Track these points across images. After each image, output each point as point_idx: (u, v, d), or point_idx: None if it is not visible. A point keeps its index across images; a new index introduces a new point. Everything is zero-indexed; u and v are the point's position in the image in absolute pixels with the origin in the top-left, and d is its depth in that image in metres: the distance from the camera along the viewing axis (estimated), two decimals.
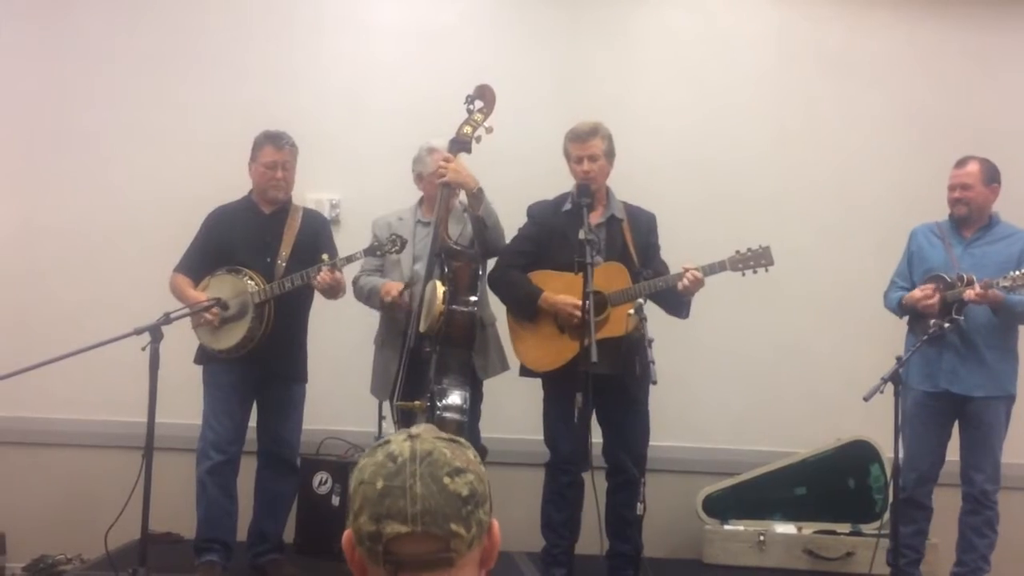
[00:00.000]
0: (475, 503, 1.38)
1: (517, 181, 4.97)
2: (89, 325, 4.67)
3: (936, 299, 4.42)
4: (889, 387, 4.05)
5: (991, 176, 4.63)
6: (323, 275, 4.28)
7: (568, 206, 4.44)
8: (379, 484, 1.36)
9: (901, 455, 4.52)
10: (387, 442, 1.42)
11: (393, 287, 4.48)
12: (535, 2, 5.87)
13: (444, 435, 1.44)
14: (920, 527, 4.61)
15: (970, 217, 4.63)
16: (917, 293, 4.50)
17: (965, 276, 4.40)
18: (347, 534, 1.41)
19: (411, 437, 1.41)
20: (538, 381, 4.50)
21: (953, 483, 4.68)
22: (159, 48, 5.64)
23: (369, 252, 4.40)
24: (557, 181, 4.58)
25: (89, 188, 5.54)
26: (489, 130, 4.51)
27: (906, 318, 4.67)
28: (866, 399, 4.04)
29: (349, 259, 4.38)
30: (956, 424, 4.63)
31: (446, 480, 1.37)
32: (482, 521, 1.39)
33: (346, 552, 1.42)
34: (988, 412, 4.52)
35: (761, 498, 5.47)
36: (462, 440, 1.45)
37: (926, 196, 5.02)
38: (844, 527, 5.37)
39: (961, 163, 4.66)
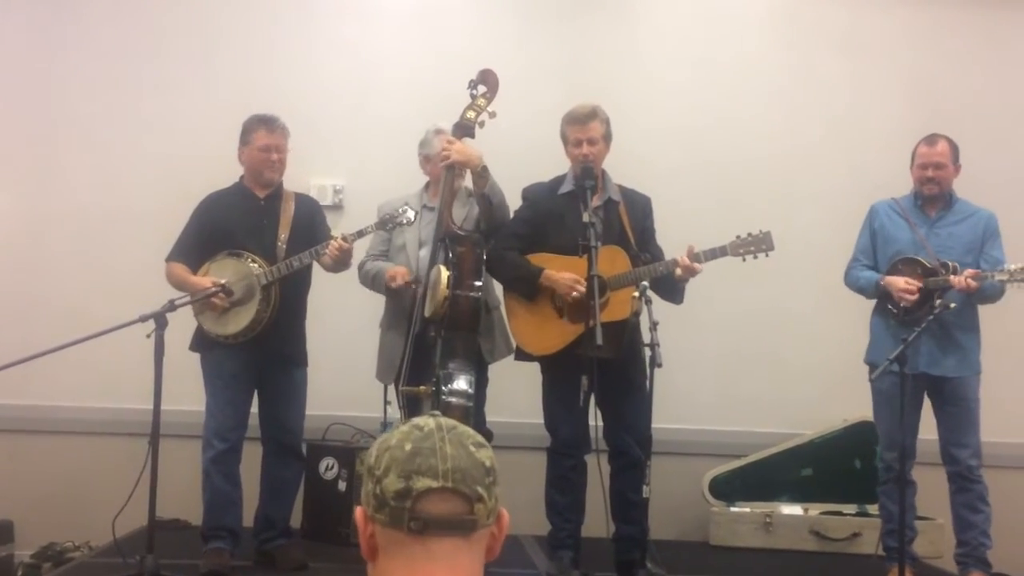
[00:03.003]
0: (494, 477, 1.43)
1: (520, 165, 4.94)
2: (94, 313, 4.68)
3: (917, 296, 4.46)
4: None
5: (957, 155, 4.67)
6: (334, 246, 4.26)
7: (566, 188, 4.43)
8: (408, 447, 1.40)
9: (881, 435, 4.65)
10: (407, 421, 1.48)
11: (399, 272, 4.48)
12: None
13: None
14: (911, 502, 4.62)
15: (940, 196, 4.66)
16: (901, 283, 4.51)
17: (951, 264, 4.46)
18: (359, 510, 1.43)
19: (433, 416, 1.47)
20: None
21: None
22: (160, 34, 5.65)
23: (380, 225, 4.40)
24: (561, 164, 4.57)
25: (92, 176, 5.55)
26: (492, 115, 4.50)
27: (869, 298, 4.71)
28: (872, 379, 4.06)
29: (360, 233, 4.37)
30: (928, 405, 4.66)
31: (471, 448, 1.42)
32: (497, 498, 1.43)
33: (359, 526, 1.43)
34: (968, 389, 4.57)
35: (767, 480, 5.47)
36: None
37: None
38: (850, 508, 5.39)
39: (931, 141, 4.66)
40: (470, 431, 1.45)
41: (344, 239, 4.31)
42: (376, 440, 1.49)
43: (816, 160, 5.82)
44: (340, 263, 4.41)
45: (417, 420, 1.45)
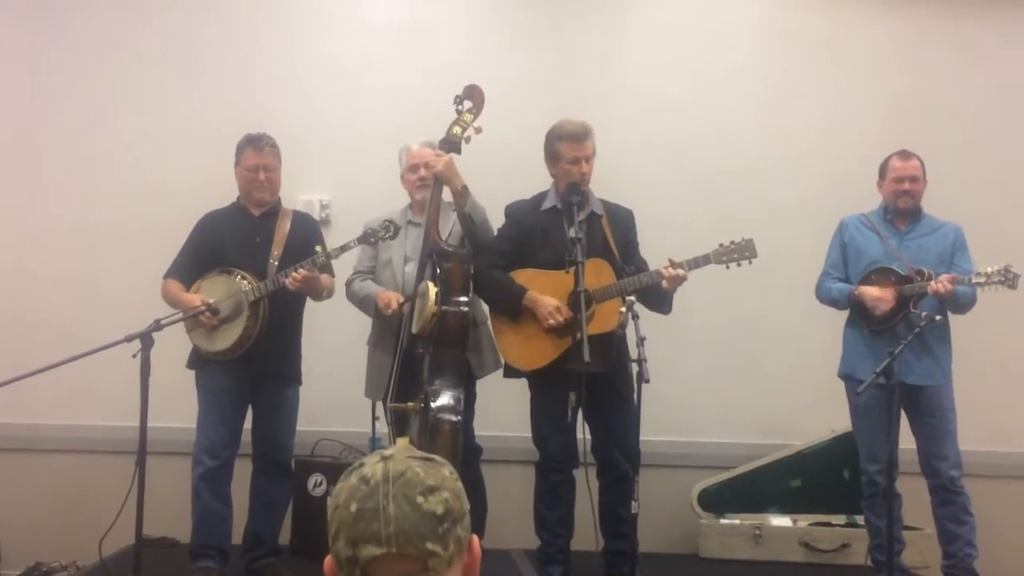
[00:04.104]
0: (452, 520, 1.38)
1: (508, 179, 4.96)
2: (81, 330, 4.66)
3: (892, 304, 4.50)
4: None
5: (925, 170, 4.74)
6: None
7: (549, 204, 4.45)
8: (353, 507, 1.36)
9: (861, 448, 4.69)
10: (361, 465, 1.42)
11: (392, 299, 4.47)
12: None
13: (419, 454, 1.44)
14: (897, 514, 4.63)
15: (911, 210, 4.72)
16: (875, 291, 4.55)
17: (926, 271, 4.51)
18: (328, 560, 1.41)
19: (384, 459, 1.41)
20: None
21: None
22: (148, 49, 5.64)
23: (363, 240, 4.40)
24: (548, 179, 4.57)
25: (80, 192, 5.53)
26: (478, 130, 4.51)
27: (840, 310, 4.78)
28: (859, 393, 4.09)
29: (343, 248, 4.37)
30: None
31: (419, 500, 1.36)
32: (460, 538, 1.39)
33: None
34: (944, 398, 4.61)
35: (757, 491, 5.47)
36: (436, 458, 1.44)
37: None
38: (839, 519, 5.39)
39: (905, 156, 4.74)
40: (420, 476, 1.38)
41: (328, 255, 4.31)
42: (338, 481, 1.44)
43: (800, 171, 5.83)
44: (307, 292, 4.42)
45: (365, 470, 1.39)
